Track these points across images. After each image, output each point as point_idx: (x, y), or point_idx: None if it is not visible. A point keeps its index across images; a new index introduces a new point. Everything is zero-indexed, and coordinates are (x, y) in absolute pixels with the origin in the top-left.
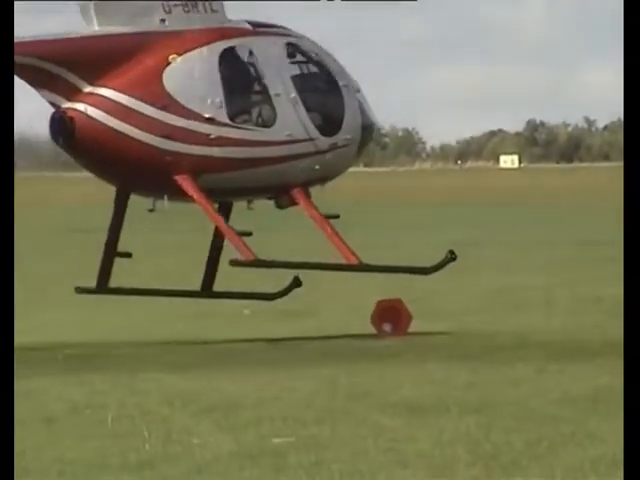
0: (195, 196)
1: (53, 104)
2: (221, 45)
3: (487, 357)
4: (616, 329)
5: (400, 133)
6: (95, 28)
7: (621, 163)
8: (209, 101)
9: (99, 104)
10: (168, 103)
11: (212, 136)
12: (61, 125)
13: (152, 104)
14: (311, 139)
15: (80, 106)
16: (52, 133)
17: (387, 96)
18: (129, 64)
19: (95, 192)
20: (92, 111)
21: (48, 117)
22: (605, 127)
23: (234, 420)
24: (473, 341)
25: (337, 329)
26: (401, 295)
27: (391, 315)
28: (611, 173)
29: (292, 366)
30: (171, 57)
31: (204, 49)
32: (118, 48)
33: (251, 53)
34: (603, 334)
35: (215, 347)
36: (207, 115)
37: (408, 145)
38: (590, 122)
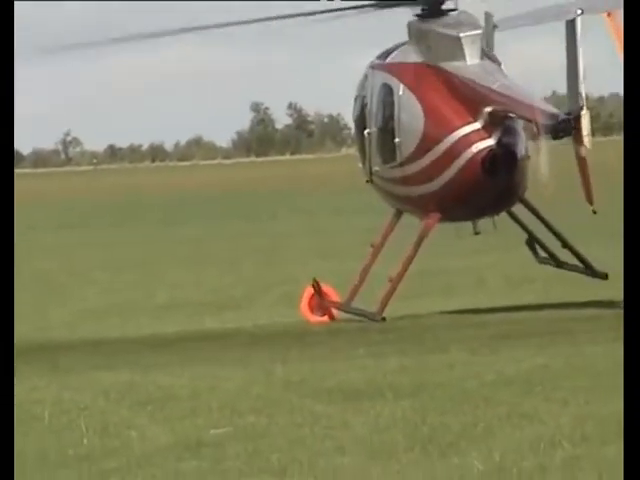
0: None
1: None
2: None
3: (419, 341)
4: (548, 309)
5: (325, 119)
6: None
7: None
8: None
9: None
10: None
11: None
12: None
13: None
14: None
15: None
16: None
17: (312, 82)
18: None
19: None
20: None
21: None
22: None
23: (170, 412)
24: (404, 325)
25: (269, 318)
26: (328, 280)
27: (321, 302)
28: None
29: (226, 357)
30: None
31: None
32: None
33: None
34: (536, 314)
35: (147, 340)
36: None
37: (333, 131)
38: None
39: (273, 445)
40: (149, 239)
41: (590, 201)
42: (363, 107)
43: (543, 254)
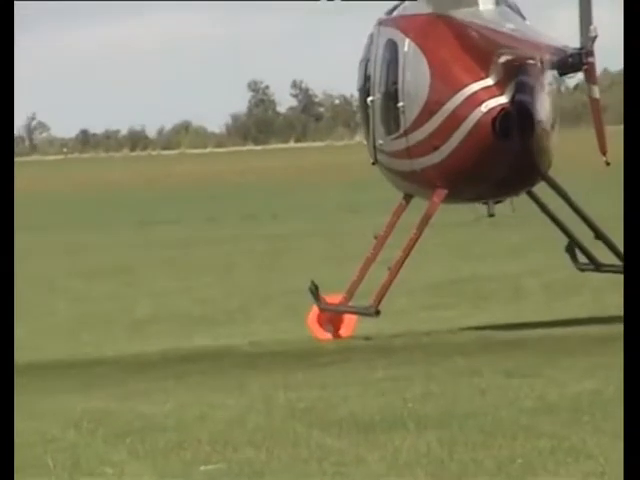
0: None
1: None
2: None
3: (447, 361)
4: (598, 324)
5: (336, 101)
6: None
7: None
8: None
9: None
10: None
11: None
12: None
13: None
14: None
15: None
16: None
17: (319, 59)
18: None
19: None
20: None
21: None
22: None
23: (153, 445)
24: (429, 343)
25: (269, 334)
26: (339, 290)
27: (332, 316)
28: None
29: (219, 380)
30: None
31: None
32: None
33: None
34: (584, 329)
35: (125, 361)
36: None
37: (346, 115)
38: None
39: None
40: (128, 241)
41: (603, 151)
42: (367, 72)
43: (583, 259)
